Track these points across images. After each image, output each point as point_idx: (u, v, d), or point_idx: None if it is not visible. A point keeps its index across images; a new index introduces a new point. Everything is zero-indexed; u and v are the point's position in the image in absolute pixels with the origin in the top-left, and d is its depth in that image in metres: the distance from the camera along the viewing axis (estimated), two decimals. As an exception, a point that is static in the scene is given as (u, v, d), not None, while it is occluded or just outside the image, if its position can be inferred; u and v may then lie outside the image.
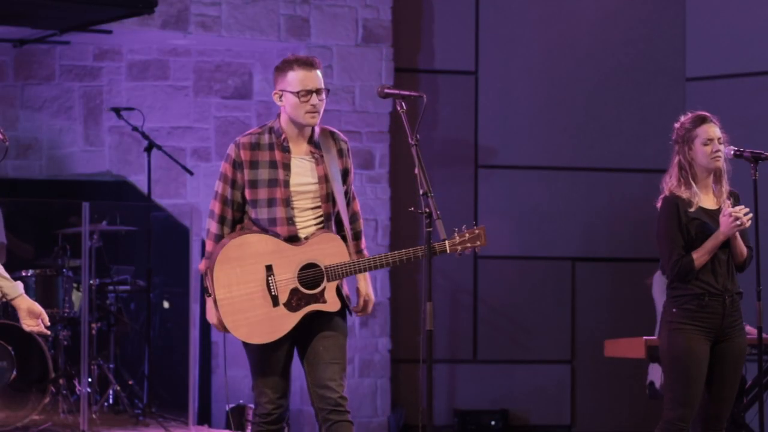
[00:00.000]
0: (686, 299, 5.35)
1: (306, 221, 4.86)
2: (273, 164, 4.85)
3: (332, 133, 4.96)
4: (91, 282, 8.10)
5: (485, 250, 9.18)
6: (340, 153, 4.93)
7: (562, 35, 9.40)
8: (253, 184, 4.85)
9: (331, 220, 4.91)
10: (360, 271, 4.86)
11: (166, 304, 9.37)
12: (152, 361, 8.35)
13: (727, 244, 5.37)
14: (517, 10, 9.34)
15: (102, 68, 9.01)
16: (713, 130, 5.40)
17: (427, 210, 4.58)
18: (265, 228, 4.82)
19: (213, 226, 4.90)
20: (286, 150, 4.87)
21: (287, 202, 4.82)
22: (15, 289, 4.48)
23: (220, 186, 4.91)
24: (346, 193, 4.94)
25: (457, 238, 4.90)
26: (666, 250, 5.39)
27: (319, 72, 4.85)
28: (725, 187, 5.45)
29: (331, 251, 4.82)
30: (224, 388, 9.09)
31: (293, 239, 4.82)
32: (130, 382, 8.35)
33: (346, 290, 4.93)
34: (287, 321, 4.79)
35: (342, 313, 4.91)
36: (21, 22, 8.24)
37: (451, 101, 9.23)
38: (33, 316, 4.47)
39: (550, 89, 9.36)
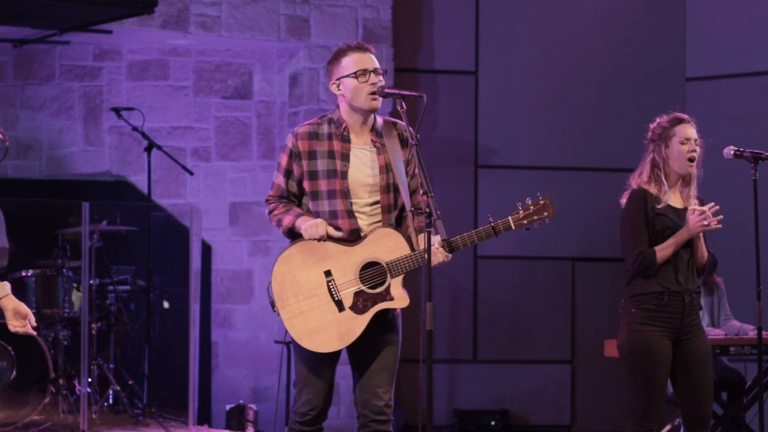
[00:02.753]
0: (646, 298, 5.31)
1: (367, 214, 4.77)
2: (331, 154, 4.77)
3: (395, 124, 4.87)
4: (91, 282, 8.09)
5: (485, 250, 9.26)
6: (404, 143, 4.81)
7: (562, 35, 9.40)
8: (313, 176, 4.77)
9: (391, 212, 4.80)
10: (422, 263, 4.69)
11: (166, 304, 9.36)
12: (152, 361, 8.35)
13: (690, 243, 5.33)
14: (517, 10, 9.34)
15: (102, 68, 9.01)
16: (691, 130, 5.39)
17: (427, 210, 4.53)
18: (327, 222, 4.73)
19: (275, 206, 4.82)
20: (346, 140, 4.79)
21: (346, 194, 4.74)
22: (1, 290, 4.45)
23: (275, 176, 4.85)
24: (410, 185, 4.82)
25: (521, 212, 4.81)
26: (629, 243, 5.35)
27: (373, 56, 4.81)
28: (693, 191, 5.41)
29: (389, 246, 4.70)
30: (224, 388, 9.11)
31: (355, 234, 4.73)
32: (130, 382, 8.35)
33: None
34: (357, 324, 4.69)
35: (396, 316, 4.83)
36: (21, 22, 8.24)
37: (451, 101, 9.23)
38: (19, 317, 4.43)
39: (550, 89, 9.36)
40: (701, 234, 5.31)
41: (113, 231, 8.59)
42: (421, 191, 4.64)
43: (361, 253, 4.71)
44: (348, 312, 4.69)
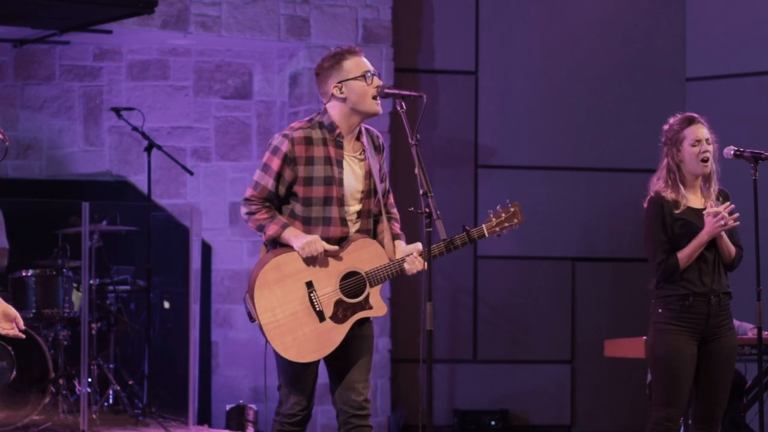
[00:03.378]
0: (672, 300, 5.33)
1: (353, 222, 4.80)
2: (328, 161, 4.75)
3: (368, 130, 4.91)
4: (91, 282, 8.09)
5: (485, 250, 9.25)
6: (377, 149, 4.89)
7: (562, 35, 9.40)
8: (309, 182, 4.75)
9: (370, 218, 4.85)
10: (400, 272, 4.77)
11: (166, 304, 9.36)
12: (152, 361, 8.35)
13: (714, 244, 5.35)
14: (517, 10, 9.34)
15: (102, 68, 9.01)
16: (701, 131, 5.39)
17: (427, 210, 4.53)
18: (318, 228, 4.73)
19: (258, 209, 4.76)
20: (339, 146, 4.78)
21: (341, 202, 4.76)
22: None
23: (261, 176, 4.79)
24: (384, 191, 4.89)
25: (494, 220, 4.86)
26: (651, 251, 5.39)
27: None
28: (714, 187, 5.43)
29: (368, 256, 4.74)
30: (224, 388, 9.11)
31: (342, 242, 4.75)
32: (130, 382, 8.35)
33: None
34: (336, 334, 4.71)
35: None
36: (21, 22, 8.24)
37: (451, 101, 9.23)
38: (8, 320, 4.42)
39: (550, 89, 9.35)
40: (723, 233, 5.33)
41: (113, 231, 8.59)
42: (421, 191, 4.63)
43: (341, 264, 4.74)
44: (328, 322, 4.71)
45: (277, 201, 4.82)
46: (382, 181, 4.90)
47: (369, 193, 4.83)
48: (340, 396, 4.79)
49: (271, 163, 4.77)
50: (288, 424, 4.82)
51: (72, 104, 9.00)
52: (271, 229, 4.75)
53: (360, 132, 4.86)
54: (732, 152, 5.60)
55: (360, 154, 4.83)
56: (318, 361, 4.79)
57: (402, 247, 4.84)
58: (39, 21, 8.24)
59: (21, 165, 8.92)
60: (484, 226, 4.86)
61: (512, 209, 4.88)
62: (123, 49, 9.01)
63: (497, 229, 4.87)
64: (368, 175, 4.82)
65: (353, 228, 4.80)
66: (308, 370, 4.77)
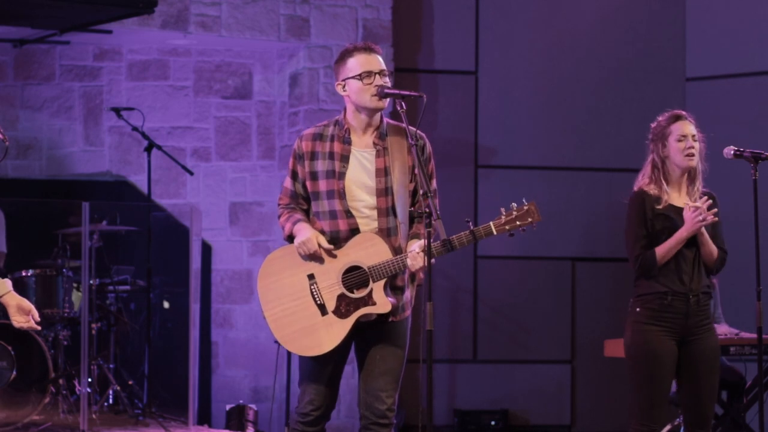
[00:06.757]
0: (650, 298, 5.30)
1: (366, 215, 4.76)
2: (331, 155, 4.78)
3: (404, 129, 4.82)
4: (91, 282, 8.09)
5: (485, 250, 9.25)
6: (410, 149, 4.78)
7: (562, 35, 9.40)
8: (314, 176, 4.80)
9: (389, 215, 4.78)
10: (404, 267, 4.71)
11: (166, 304, 9.36)
12: (152, 361, 8.35)
13: (694, 242, 5.32)
14: (517, 10, 9.34)
15: (102, 68, 9.01)
16: (688, 127, 5.38)
17: (427, 210, 4.53)
18: (326, 222, 4.75)
19: (281, 212, 4.88)
20: (347, 142, 4.79)
21: (342, 195, 4.74)
22: (3, 287, 4.47)
23: (286, 179, 4.91)
24: (414, 191, 4.81)
25: (503, 217, 4.75)
26: (630, 246, 5.36)
27: (379, 56, 4.79)
28: (699, 187, 5.40)
29: (371, 251, 4.70)
30: (224, 388, 9.12)
31: (354, 233, 4.73)
32: (130, 382, 8.35)
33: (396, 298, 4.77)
34: (340, 328, 4.68)
35: (403, 321, 4.81)
36: (21, 22, 8.24)
37: (451, 101, 9.23)
38: (23, 313, 4.45)
39: (550, 89, 9.35)
40: (704, 231, 5.31)
41: (113, 231, 8.59)
42: (421, 191, 4.63)
43: (344, 258, 4.72)
44: (331, 316, 4.69)
45: (303, 200, 4.87)
46: (412, 181, 4.82)
47: (386, 190, 4.77)
48: (364, 401, 4.78)
49: (289, 163, 4.89)
50: (301, 423, 4.81)
51: (72, 104, 9.00)
52: (286, 228, 4.84)
53: (381, 128, 4.83)
54: (732, 152, 5.59)
55: (372, 150, 4.81)
56: (337, 361, 4.76)
57: (412, 245, 4.76)
58: (39, 21, 8.24)
59: (21, 165, 8.92)
60: (492, 223, 4.75)
61: (526, 207, 4.76)
62: (123, 49, 9.01)
63: (507, 227, 4.74)
64: (383, 172, 4.78)
65: (371, 224, 4.76)
66: (323, 366, 4.75)
